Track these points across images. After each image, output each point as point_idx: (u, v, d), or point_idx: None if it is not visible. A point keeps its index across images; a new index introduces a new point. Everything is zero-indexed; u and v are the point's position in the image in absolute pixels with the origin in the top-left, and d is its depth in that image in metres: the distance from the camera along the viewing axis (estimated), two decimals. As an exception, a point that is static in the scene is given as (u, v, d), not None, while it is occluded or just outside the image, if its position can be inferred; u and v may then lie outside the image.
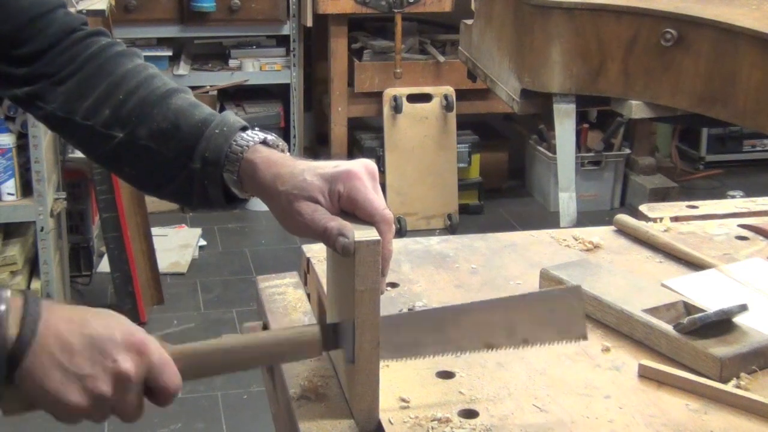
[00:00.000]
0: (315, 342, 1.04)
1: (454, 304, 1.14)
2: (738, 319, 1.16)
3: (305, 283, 1.38)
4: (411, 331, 1.08)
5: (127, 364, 0.95)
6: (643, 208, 1.62)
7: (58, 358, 0.93)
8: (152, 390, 0.97)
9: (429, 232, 4.43)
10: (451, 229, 4.44)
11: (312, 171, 1.05)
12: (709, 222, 1.58)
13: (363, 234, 1.00)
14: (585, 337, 1.10)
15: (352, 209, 1.04)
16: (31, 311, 0.94)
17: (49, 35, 1.18)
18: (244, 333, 1.19)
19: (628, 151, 4.85)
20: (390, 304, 1.28)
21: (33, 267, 3.37)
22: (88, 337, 0.95)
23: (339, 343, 1.05)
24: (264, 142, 1.11)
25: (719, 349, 1.12)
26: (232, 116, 1.14)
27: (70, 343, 0.94)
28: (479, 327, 1.08)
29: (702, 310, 1.18)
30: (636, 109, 2.74)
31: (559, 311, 1.09)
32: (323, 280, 1.27)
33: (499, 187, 4.91)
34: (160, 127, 1.13)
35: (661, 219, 1.57)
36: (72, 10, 3.15)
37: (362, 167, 1.05)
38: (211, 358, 1.03)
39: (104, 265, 3.81)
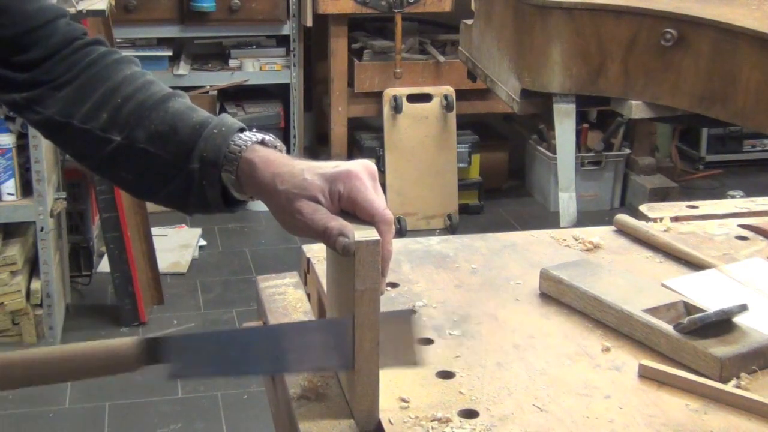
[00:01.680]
0: (132, 356, 1.00)
1: (273, 325, 1.12)
2: (738, 319, 1.16)
3: (305, 283, 1.38)
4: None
5: None
6: (643, 208, 1.62)
7: None
8: None
9: (429, 232, 4.43)
10: (451, 229, 4.44)
11: (312, 170, 1.05)
12: (709, 222, 1.58)
13: (363, 234, 1.00)
14: (416, 365, 1.06)
15: (352, 209, 1.04)
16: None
17: (51, 44, 1.19)
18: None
19: (628, 151, 4.85)
20: (390, 304, 1.28)
21: (33, 267, 3.37)
22: None
23: (162, 359, 1.02)
24: (262, 142, 1.11)
25: (719, 349, 1.12)
26: (230, 118, 1.15)
27: None
28: (308, 350, 1.05)
29: (702, 310, 1.18)
30: (636, 109, 2.74)
31: (391, 337, 1.04)
32: (323, 280, 1.27)
33: (499, 187, 4.91)
34: (158, 130, 1.14)
35: (661, 219, 1.57)
36: (72, 10, 3.15)
37: (362, 167, 1.05)
38: (12, 370, 0.99)
39: (104, 265, 3.81)
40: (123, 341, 1.01)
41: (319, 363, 1.06)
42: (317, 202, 1.04)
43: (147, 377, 2.93)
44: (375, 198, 1.03)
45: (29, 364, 0.99)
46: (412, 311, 1.09)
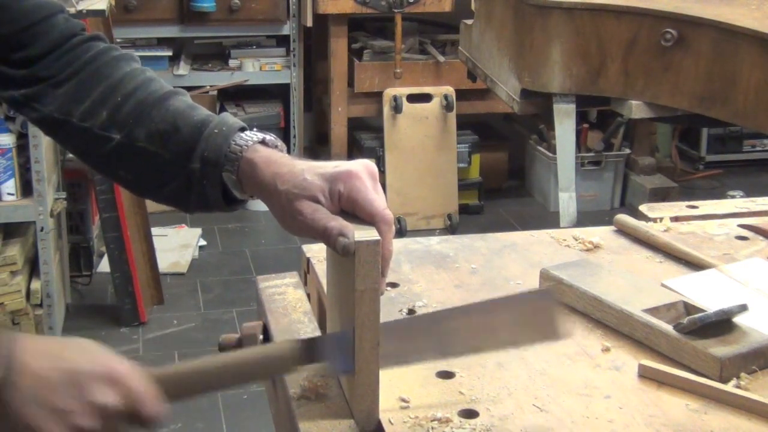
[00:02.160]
0: (292, 358, 1.04)
1: (434, 311, 1.15)
2: (738, 319, 1.16)
3: (305, 283, 1.38)
4: (397, 340, 1.08)
5: (106, 396, 0.94)
6: (643, 208, 1.62)
7: (38, 395, 0.92)
8: (136, 418, 0.97)
9: (429, 232, 4.43)
10: (451, 229, 4.44)
11: (312, 170, 1.05)
12: (709, 222, 1.58)
13: (363, 234, 1.00)
14: (559, 338, 1.11)
15: (352, 209, 1.04)
16: (5, 351, 0.92)
17: (49, 40, 1.18)
18: (223, 349, 1.18)
19: (628, 151, 4.85)
20: (390, 304, 1.28)
21: (33, 267, 3.37)
22: (66, 371, 0.94)
23: (318, 357, 1.05)
24: (263, 142, 1.11)
25: (719, 349, 1.12)
26: (231, 117, 1.14)
27: (49, 379, 0.93)
28: (462, 332, 1.08)
29: (702, 310, 1.18)
30: (636, 109, 2.74)
31: (536, 313, 1.10)
32: (323, 280, 1.27)
33: (499, 187, 4.91)
34: (159, 128, 1.13)
35: (661, 219, 1.57)
36: (72, 10, 3.15)
37: (362, 167, 1.05)
38: (192, 380, 1.03)
39: (104, 265, 3.81)
40: (281, 344, 1.06)
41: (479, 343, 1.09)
42: (317, 202, 1.04)
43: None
44: (375, 198, 1.03)
45: (197, 373, 1.03)
46: (552, 289, 1.12)
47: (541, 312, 1.10)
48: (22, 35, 1.17)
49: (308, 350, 1.05)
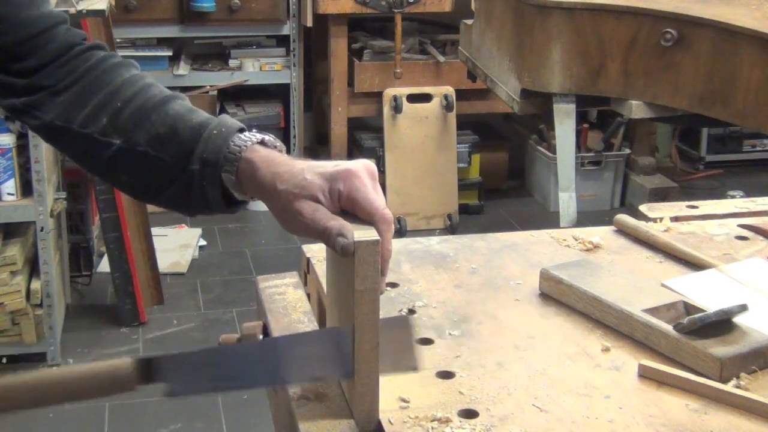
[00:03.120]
0: (128, 376, 1.01)
1: (271, 338, 1.12)
2: (738, 319, 1.16)
3: (305, 283, 1.38)
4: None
5: None
6: (643, 208, 1.62)
7: None
8: None
9: (429, 232, 4.43)
10: (451, 229, 4.44)
11: (312, 170, 1.05)
12: (709, 222, 1.58)
13: (362, 234, 1.00)
14: (416, 369, 1.07)
15: (351, 208, 1.04)
16: None
17: (49, 51, 1.19)
18: (224, 338, 1.17)
19: (628, 151, 4.85)
20: (390, 304, 1.28)
21: (33, 267, 3.37)
22: None
23: (156, 378, 1.02)
24: (262, 143, 1.11)
25: (719, 349, 1.12)
26: (230, 119, 1.15)
27: None
28: (304, 360, 1.06)
29: (702, 310, 1.18)
30: (636, 109, 2.74)
31: (389, 342, 1.04)
32: (323, 280, 1.27)
33: (499, 187, 4.91)
34: (158, 132, 1.14)
35: (661, 219, 1.57)
36: (72, 10, 3.15)
37: (362, 166, 1.05)
38: (13, 393, 1.01)
39: (104, 265, 3.81)
40: (118, 362, 1.02)
41: (319, 373, 1.06)
42: (317, 201, 1.04)
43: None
44: (375, 197, 1.03)
45: (27, 387, 1.00)
46: (408, 315, 1.09)
47: (397, 341, 1.05)
48: (23, 47, 1.17)
49: (148, 369, 1.02)
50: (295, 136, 4.78)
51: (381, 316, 1.01)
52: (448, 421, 1.04)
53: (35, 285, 3.29)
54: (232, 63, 4.69)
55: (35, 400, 1.01)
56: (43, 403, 1.03)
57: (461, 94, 4.51)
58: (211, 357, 1.06)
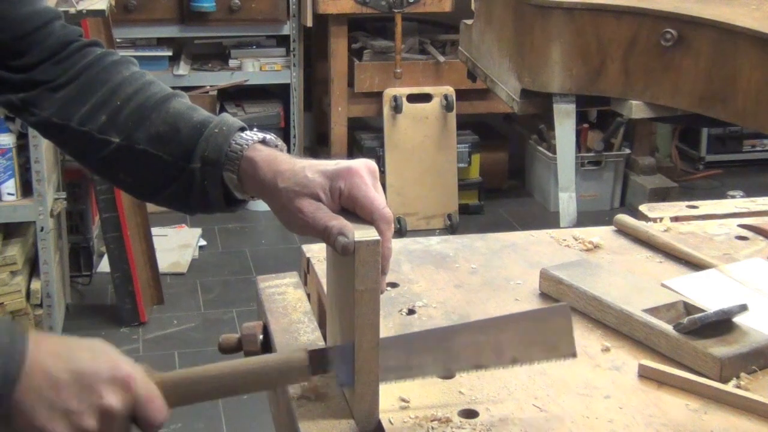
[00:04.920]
0: (303, 367, 1.04)
1: (443, 327, 1.14)
2: (738, 319, 1.16)
3: (305, 283, 1.38)
4: (402, 354, 1.07)
5: (112, 399, 0.95)
6: (643, 208, 1.62)
7: (45, 395, 0.93)
8: (139, 421, 0.98)
9: (429, 232, 4.43)
10: (451, 229, 4.44)
11: (313, 168, 1.05)
12: (709, 222, 1.58)
13: (363, 234, 1.00)
14: (574, 355, 1.09)
15: (352, 207, 1.04)
16: (19, 348, 0.93)
17: (46, 47, 1.18)
18: (222, 349, 1.18)
19: (628, 151, 4.85)
20: (390, 304, 1.28)
21: (33, 267, 3.37)
22: (75, 372, 0.94)
23: (328, 368, 1.05)
24: (263, 141, 1.11)
25: (719, 349, 1.12)
26: (231, 117, 1.15)
27: (57, 379, 0.94)
28: (469, 348, 1.08)
29: (702, 310, 1.18)
30: (636, 109, 2.74)
31: (548, 330, 1.08)
32: (323, 280, 1.27)
33: (499, 187, 4.91)
34: (159, 130, 1.13)
35: (661, 219, 1.57)
36: (72, 10, 3.15)
37: (363, 165, 1.05)
38: (198, 386, 1.03)
39: (104, 265, 3.81)
40: (294, 353, 1.05)
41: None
42: (318, 199, 1.04)
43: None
44: (375, 196, 1.03)
45: (202, 380, 1.03)
46: (567, 304, 1.11)
47: (554, 329, 1.09)
48: (19, 43, 1.17)
49: (319, 360, 1.05)
50: (295, 136, 4.78)
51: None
52: (448, 421, 1.04)
53: (35, 285, 3.29)
54: (232, 63, 4.69)
55: (211, 392, 1.04)
56: (219, 394, 1.05)
57: (461, 94, 4.51)
58: (384, 346, 1.06)
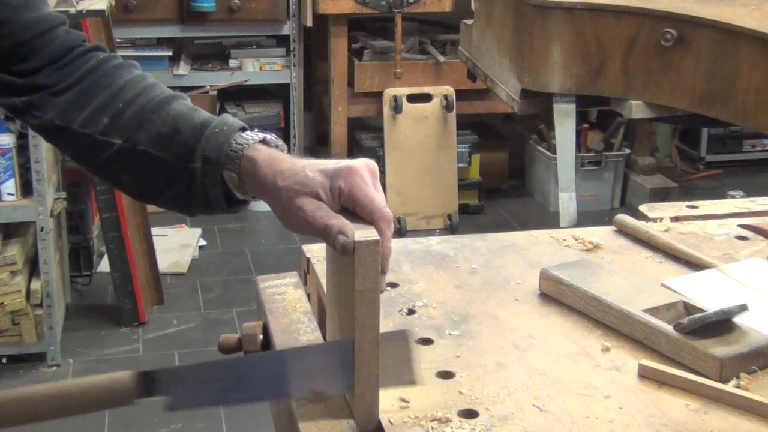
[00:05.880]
0: (128, 390, 1.00)
1: (267, 352, 1.12)
2: (738, 319, 1.16)
3: (305, 283, 1.38)
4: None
5: None
6: (643, 208, 1.62)
7: None
8: None
9: (429, 232, 4.43)
10: (451, 229, 4.44)
11: (313, 167, 1.06)
12: (709, 222, 1.58)
13: (363, 233, 1.00)
14: (414, 383, 1.05)
15: (352, 206, 1.04)
16: None
17: (49, 53, 1.19)
18: (222, 349, 1.15)
19: (628, 151, 4.85)
20: (390, 304, 1.28)
21: (33, 267, 3.37)
22: None
23: (155, 392, 1.02)
24: (264, 141, 1.11)
25: (719, 349, 1.12)
26: (231, 118, 1.15)
27: None
28: (305, 373, 1.05)
29: (702, 310, 1.18)
30: (636, 109, 2.74)
31: (388, 356, 1.03)
32: (323, 280, 1.27)
33: (499, 187, 4.91)
34: (160, 132, 1.14)
35: (661, 219, 1.57)
36: (72, 10, 3.15)
37: (364, 165, 1.05)
38: (13, 409, 1.00)
39: (104, 265, 3.81)
40: (118, 375, 1.01)
41: (322, 386, 1.06)
42: (318, 198, 1.04)
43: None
44: (375, 195, 1.04)
45: (25, 402, 0.99)
46: (407, 330, 1.09)
47: (396, 355, 1.05)
48: (22, 49, 1.18)
49: (147, 383, 1.01)
50: (295, 136, 4.78)
51: (381, 330, 1.00)
52: (448, 421, 1.04)
53: (35, 285, 3.29)
54: (232, 63, 4.69)
55: (31, 415, 1.00)
56: (42, 417, 1.01)
57: (461, 94, 4.51)
58: (212, 370, 1.04)
